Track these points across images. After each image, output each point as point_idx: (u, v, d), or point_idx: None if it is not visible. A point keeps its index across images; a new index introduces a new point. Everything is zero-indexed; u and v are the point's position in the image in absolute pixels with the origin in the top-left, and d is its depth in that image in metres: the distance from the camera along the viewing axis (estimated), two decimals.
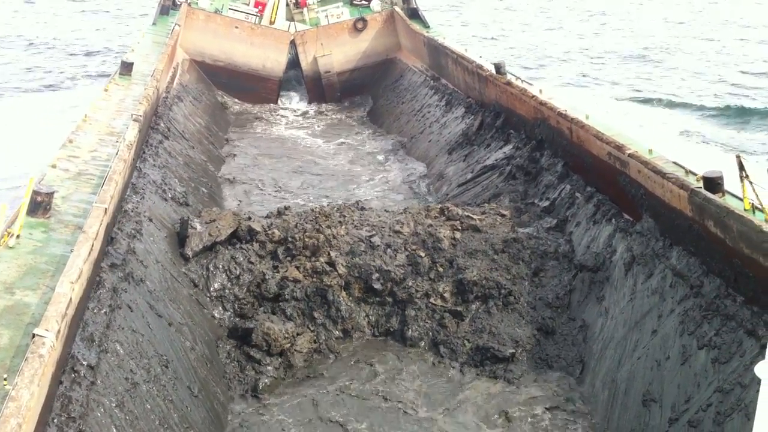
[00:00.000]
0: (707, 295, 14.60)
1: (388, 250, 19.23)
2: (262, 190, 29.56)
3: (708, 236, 14.81)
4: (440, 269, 18.93)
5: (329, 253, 18.98)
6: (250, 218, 20.42)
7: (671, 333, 14.98)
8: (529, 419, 15.66)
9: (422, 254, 19.09)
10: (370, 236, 19.64)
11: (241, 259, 19.25)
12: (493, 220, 20.88)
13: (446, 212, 20.95)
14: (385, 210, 22.10)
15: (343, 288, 18.67)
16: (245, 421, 15.59)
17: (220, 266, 19.03)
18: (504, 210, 21.71)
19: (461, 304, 18.39)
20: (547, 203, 21.74)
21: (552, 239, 20.05)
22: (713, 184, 15.03)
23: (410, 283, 18.64)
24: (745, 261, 13.71)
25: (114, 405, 11.86)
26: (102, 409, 11.45)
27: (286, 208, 21.62)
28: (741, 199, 14.31)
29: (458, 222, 20.33)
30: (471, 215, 20.77)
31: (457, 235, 19.78)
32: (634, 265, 16.98)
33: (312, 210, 21.26)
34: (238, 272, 19.01)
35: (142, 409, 12.68)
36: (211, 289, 18.76)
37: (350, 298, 18.60)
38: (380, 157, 34.26)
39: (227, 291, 18.77)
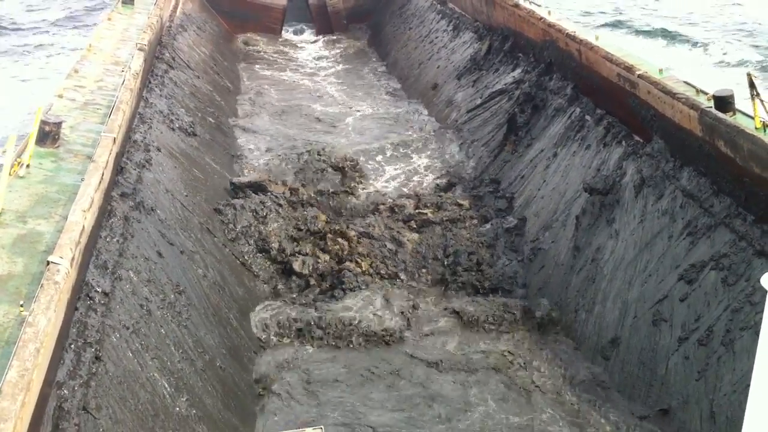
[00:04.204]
0: (717, 215, 14.59)
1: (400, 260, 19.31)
2: (269, 121, 29.64)
3: (718, 156, 14.73)
4: None
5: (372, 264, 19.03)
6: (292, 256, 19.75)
7: (681, 253, 15.01)
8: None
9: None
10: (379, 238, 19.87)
11: (269, 203, 20.18)
12: (452, 212, 20.92)
13: (396, 210, 21.09)
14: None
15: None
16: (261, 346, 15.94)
17: (247, 207, 19.80)
18: (461, 200, 21.68)
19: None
20: (505, 204, 21.55)
21: (510, 255, 19.45)
22: (724, 103, 14.86)
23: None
24: (755, 180, 13.66)
25: (129, 330, 12.01)
26: (118, 335, 11.60)
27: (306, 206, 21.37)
28: (752, 118, 14.20)
29: (412, 222, 20.43)
30: (422, 210, 20.76)
31: (414, 236, 19.85)
32: (644, 186, 16.93)
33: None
34: (264, 213, 19.77)
35: (157, 335, 12.84)
36: (238, 226, 19.30)
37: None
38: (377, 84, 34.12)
39: (252, 228, 19.36)
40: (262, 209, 19.84)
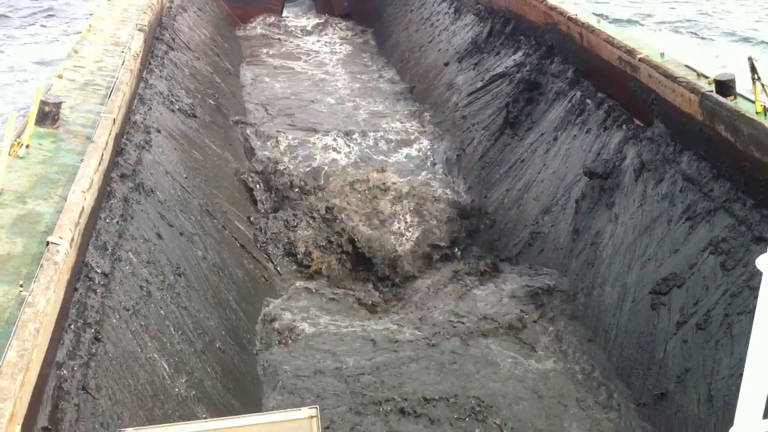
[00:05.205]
0: (717, 200, 14.59)
1: None
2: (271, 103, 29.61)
3: (719, 140, 14.71)
4: None
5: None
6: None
7: (680, 238, 15.02)
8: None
9: None
10: None
11: (301, 215, 20.74)
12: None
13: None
14: None
15: None
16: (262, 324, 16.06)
17: (279, 217, 20.44)
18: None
19: None
20: None
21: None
22: (725, 87, 14.83)
23: None
24: (755, 164, 13.65)
25: (129, 312, 12.04)
26: (117, 315, 11.63)
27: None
28: (753, 102, 14.16)
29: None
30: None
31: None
32: (644, 170, 16.92)
33: None
34: (295, 223, 20.27)
35: (156, 316, 12.87)
36: (268, 233, 19.74)
37: None
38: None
39: (282, 234, 19.84)
40: (293, 219, 20.35)
